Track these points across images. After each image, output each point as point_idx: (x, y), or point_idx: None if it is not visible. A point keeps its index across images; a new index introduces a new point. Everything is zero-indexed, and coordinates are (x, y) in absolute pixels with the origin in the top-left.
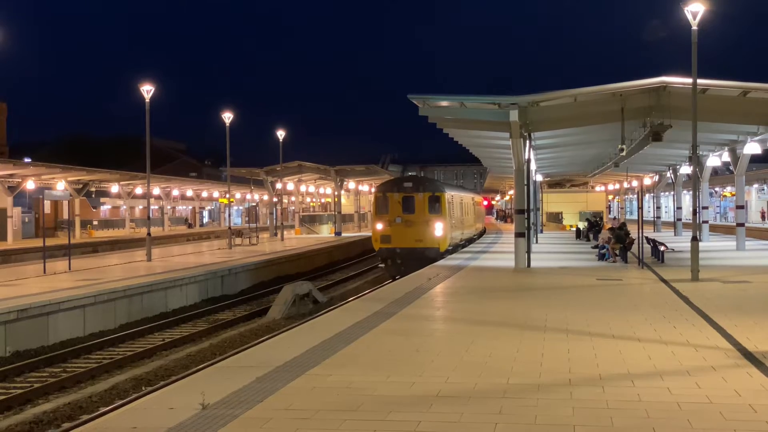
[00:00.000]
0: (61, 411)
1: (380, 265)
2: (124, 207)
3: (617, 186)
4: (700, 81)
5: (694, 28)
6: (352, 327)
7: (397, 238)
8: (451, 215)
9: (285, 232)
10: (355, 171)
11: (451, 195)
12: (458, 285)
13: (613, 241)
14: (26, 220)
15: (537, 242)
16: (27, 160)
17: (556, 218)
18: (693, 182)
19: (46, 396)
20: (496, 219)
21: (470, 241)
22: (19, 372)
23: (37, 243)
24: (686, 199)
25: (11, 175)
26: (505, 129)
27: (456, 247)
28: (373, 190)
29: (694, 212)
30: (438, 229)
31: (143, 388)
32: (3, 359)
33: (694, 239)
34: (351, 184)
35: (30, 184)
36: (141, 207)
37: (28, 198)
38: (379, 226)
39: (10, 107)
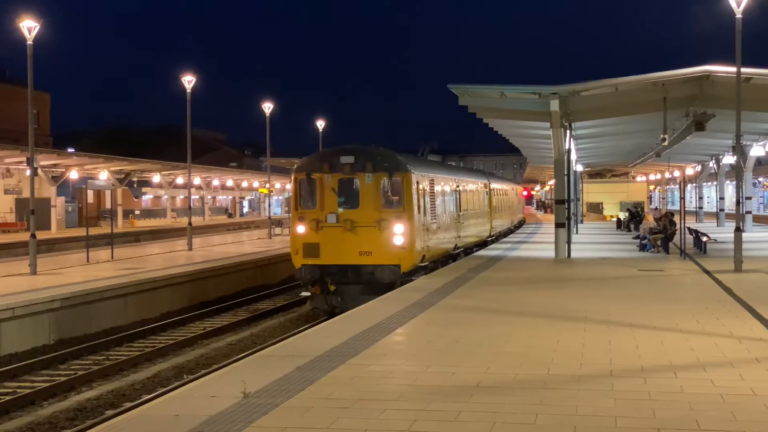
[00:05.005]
0: (105, 398)
1: (303, 294)
2: (166, 197)
3: (659, 176)
4: (744, 70)
5: (738, 16)
6: (392, 317)
7: (330, 249)
8: (426, 210)
9: None
10: None
11: (428, 178)
12: (498, 275)
13: (668, 231)
14: (69, 209)
15: (577, 233)
16: (70, 150)
17: (596, 208)
18: (736, 172)
19: (90, 383)
20: (536, 209)
21: (483, 245)
22: (63, 360)
23: (80, 232)
24: (729, 189)
25: (55, 165)
26: (546, 119)
27: (443, 260)
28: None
29: (738, 203)
30: (399, 233)
31: (185, 377)
32: (47, 347)
33: (738, 230)
34: None
35: (73, 174)
36: (182, 197)
37: (71, 188)
38: (301, 228)
39: (53, 97)
